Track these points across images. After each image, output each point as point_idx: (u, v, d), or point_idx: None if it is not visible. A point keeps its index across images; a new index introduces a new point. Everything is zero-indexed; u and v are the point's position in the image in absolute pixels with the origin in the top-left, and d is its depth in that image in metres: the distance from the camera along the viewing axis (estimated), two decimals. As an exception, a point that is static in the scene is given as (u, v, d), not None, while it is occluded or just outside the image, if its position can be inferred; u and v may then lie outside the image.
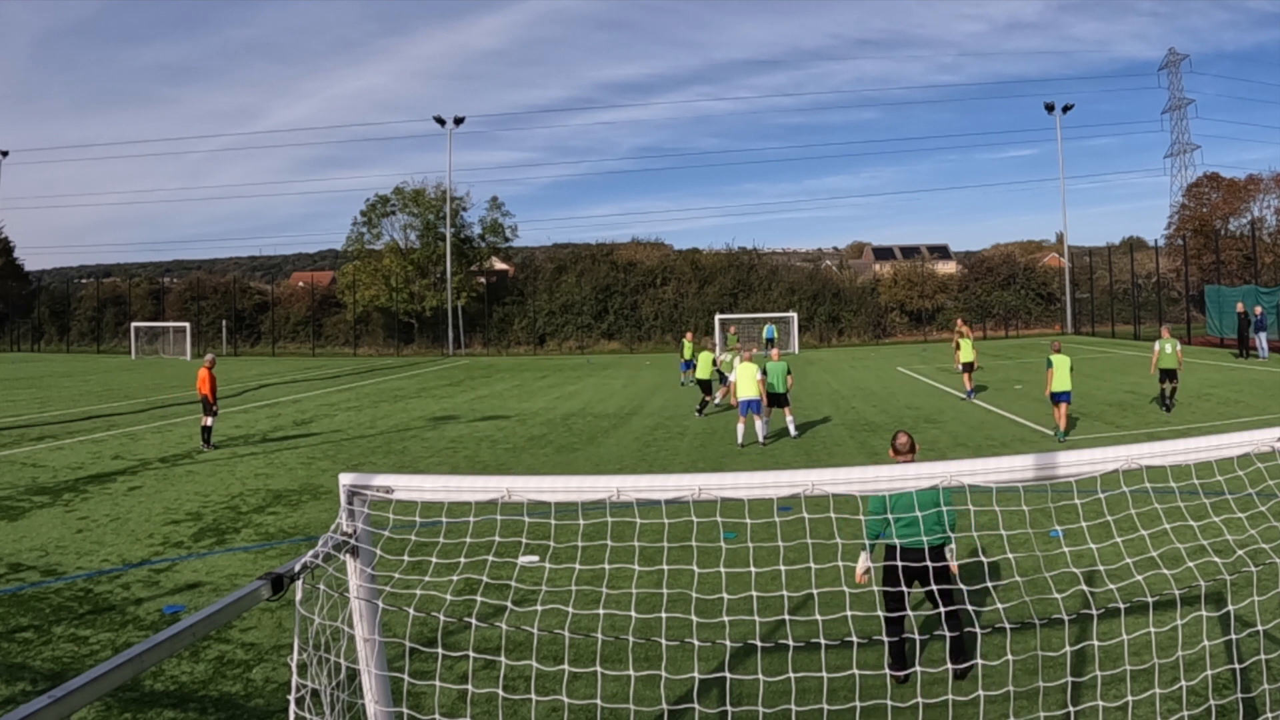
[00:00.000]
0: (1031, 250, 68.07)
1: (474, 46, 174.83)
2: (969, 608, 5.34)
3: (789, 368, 15.83)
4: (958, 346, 20.69)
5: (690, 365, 25.86)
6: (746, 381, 14.45)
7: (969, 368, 20.18)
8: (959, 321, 27.05)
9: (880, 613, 5.25)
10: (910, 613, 5.19)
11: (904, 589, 5.45)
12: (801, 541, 3.69)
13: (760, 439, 14.72)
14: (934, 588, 5.33)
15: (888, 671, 5.34)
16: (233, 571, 8.18)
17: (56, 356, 51.34)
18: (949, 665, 5.31)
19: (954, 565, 5.49)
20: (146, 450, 15.36)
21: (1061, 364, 14.31)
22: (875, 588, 5.61)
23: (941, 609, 5.08)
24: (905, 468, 2.95)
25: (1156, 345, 16.88)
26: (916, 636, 6.01)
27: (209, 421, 15.61)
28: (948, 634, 5.30)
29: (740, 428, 14.66)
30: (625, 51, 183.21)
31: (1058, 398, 14.28)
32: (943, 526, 5.31)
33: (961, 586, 5.47)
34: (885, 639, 5.46)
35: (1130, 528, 4.65)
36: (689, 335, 28.27)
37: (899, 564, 5.31)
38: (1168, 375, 16.54)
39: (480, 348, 50.05)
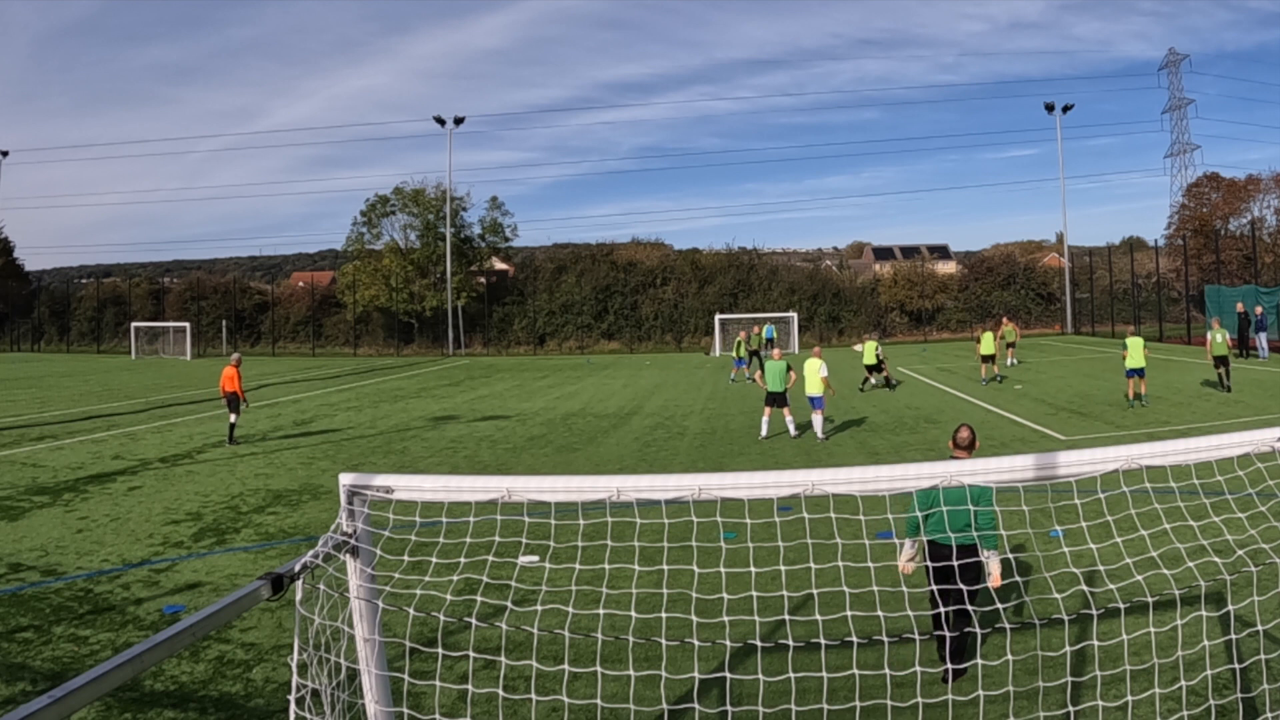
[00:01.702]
0: (1031, 250, 68.03)
1: (474, 46, 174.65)
2: (969, 608, 5.33)
3: (789, 365, 15.86)
4: (978, 340, 23.91)
5: (744, 363, 26.30)
6: (811, 379, 15.34)
7: (987, 359, 23.48)
8: (1004, 319, 31.53)
9: (880, 612, 5.24)
10: (942, 609, 5.11)
11: (933, 586, 5.45)
12: (801, 541, 3.69)
13: (820, 434, 15.20)
14: (943, 586, 5.32)
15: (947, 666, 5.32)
16: (233, 571, 8.18)
17: (56, 356, 51.34)
18: (946, 665, 5.31)
19: (997, 574, 5.33)
20: (146, 450, 15.36)
21: (1135, 344, 17.32)
22: (875, 586, 5.60)
23: (943, 608, 5.07)
24: (906, 467, 2.94)
25: (1209, 335, 19.56)
26: (918, 637, 6.00)
27: (233, 419, 16.14)
28: (948, 634, 5.29)
29: (819, 419, 15.44)
30: (626, 51, 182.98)
31: (1131, 373, 17.44)
32: (969, 527, 5.27)
33: (962, 587, 5.45)
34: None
35: (1130, 528, 4.64)
36: (743, 335, 29.86)
37: (929, 563, 5.31)
38: (1220, 361, 18.94)
39: (480, 348, 50.04)
